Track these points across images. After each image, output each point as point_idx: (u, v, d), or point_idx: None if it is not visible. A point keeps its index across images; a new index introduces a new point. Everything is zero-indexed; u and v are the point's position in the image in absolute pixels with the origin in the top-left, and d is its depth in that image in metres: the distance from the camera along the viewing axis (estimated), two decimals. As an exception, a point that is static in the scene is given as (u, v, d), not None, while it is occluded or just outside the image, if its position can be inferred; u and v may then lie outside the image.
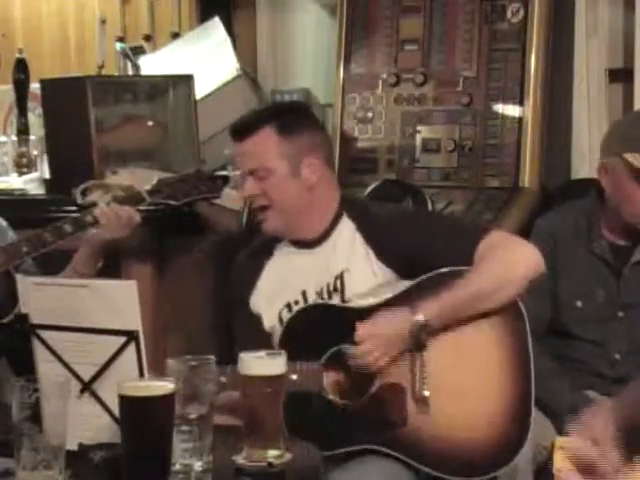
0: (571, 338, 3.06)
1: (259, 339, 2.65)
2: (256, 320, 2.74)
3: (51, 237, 2.71)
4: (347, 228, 2.70)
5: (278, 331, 2.67)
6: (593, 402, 2.89)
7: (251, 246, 2.90)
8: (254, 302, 2.77)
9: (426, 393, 2.51)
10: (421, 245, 2.60)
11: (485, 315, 2.54)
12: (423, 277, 2.57)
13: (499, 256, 2.55)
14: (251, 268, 2.80)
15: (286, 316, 2.68)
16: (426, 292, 2.53)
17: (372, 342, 2.49)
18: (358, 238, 2.67)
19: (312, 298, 2.68)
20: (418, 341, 2.49)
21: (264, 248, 2.81)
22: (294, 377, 2.45)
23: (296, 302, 2.69)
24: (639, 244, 3.03)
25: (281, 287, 2.73)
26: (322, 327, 2.56)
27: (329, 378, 2.55)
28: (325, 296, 2.67)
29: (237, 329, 2.79)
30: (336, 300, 2.65)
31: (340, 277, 2.65)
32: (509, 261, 2.56)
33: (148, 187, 2.90)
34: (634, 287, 3.03)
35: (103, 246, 2.83)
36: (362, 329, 2.50)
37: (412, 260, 2.59)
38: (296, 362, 2.45)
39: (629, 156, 2.93)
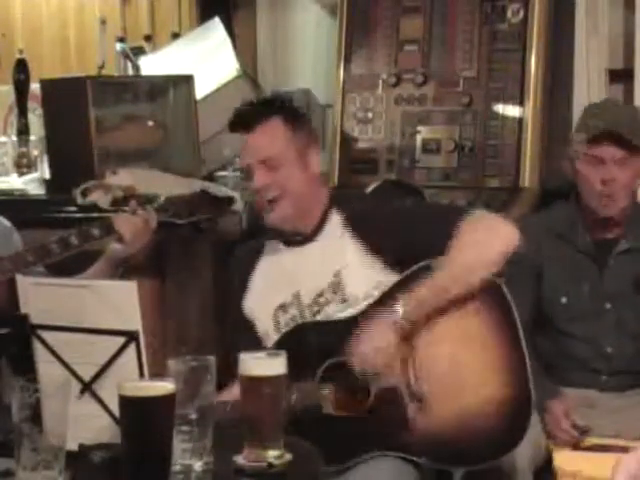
0: (562, 336, 3.07)
1: (252, 347, 2.57)
2: (250, 326, 2.72)
3: (57, 248, 2.70)
4: (335, 224, 2.69)
5: (272, 336, 2.66)
6: (560, 399, 2.91)
7: (240, 250, 2.87)
8: (247, 307, 2.75)
9: (423, 391, 2.50)
10: (406, 233, 2.59)
11: (472, 309, 2.53)
12: (408, 272, 2.57)
13: (475, 234, 2.54)
14: (242, 272, 2.78)
15: (282, 318, 2.67)
16: (410, 288, 2.53)
17: (367, 362, 2.48)
18: (346, 234, 2.66)
19: (306, 300, 2.66)
20: (402, 332, 2.49)
21: (253, 249, 2.80)
22: (293, 397, 2.45)
23: (290, 303, 2.68)
24: (622, 237, 3.06)
25: (273, 289, 2.71)
26: (311, 344, 2.54)
27: (326, 393, 2.53)
28: (325, 298, 2.65)
29: (232, 335, 2.78)
30: (337, 300, 2.63)
31: (338, 276, 2.64)
32: (485, 239, 2.55)
33: (155, 205, 2.86)
34: (619, 277, 3.05)
35: (121, 262, 2.79)
36: (354, 357, 2.48)
37: (399, 249, 2.59)
38: (292, 383, 2.40)
39: (576, 136, 3.03)
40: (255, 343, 2.65)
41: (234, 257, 2.87)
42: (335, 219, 2.70)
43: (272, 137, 2.65)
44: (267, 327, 2.69)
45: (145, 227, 2.76)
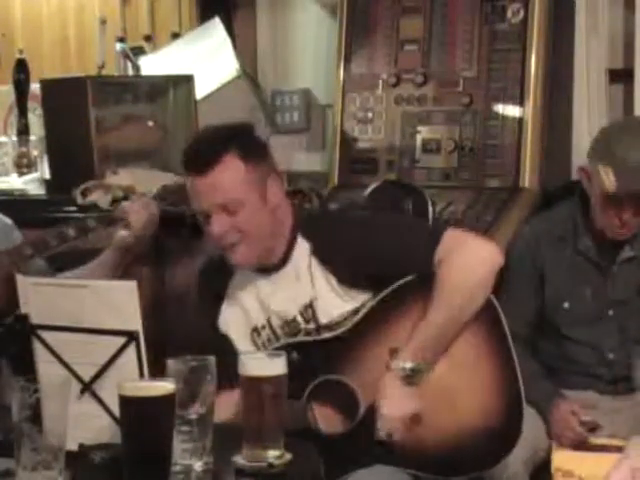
0: (564, 340, 3.07)
1: (230, 360, 2.37)
2: (226, 342, 2.64)
3: (54, 241, 2.72)
4: (303, 252, 2.59)
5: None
6: (564, 400, 2.91)
7: (209, 267, 2.75)
8: (222, 323, 2.68)
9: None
10: (378, 260, 2.52)
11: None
12: (386, 292, 2.53)
13: (457, 266, 2.48)
14: (215, 286, 2.69)
15: (259, 340, 2.62)
16: (392, 307, 2.52)
17: (390, 424, 2.45)
18: (314, 263, 2.57)
19: (278, 325, 2.61)
20: (416, 382, 2.46)
21: (223, 268, 2.65)
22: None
23: (263, 327, 2.63)
24: (626, 242, 3.04)
25: (244, 314, 2.65)
26: (295, 363, 2.41)
27: (315, 411, 2.51)
28: (297, 324, 2.59)
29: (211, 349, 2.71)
30: (312, 328, 2.58)
31: (310, 306, 2.57)
32: (468, 268, 2.48)
33: (152, 194, 2.89)
34: (623, 284, 3.04)
35: (130, 249, 2.83)
36: (381, 430, 2.44)
37: (372, 274, 2.53)
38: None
39: (602, 169, 2.92)
40: (232, 354, 2.48)
41: (203, 273, 2.76)
42: (302, 246, 2.59)
43: (228, 179, 2.46)
44: (246, 347, 2.63)
45: (148, 213, 2.80)
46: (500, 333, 2.51)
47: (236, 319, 2.66)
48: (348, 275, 2.54)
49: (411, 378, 2.44)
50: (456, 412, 2.49)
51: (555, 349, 3.07)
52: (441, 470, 2.48)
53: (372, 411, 2.47)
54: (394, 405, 2.43)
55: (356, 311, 2.55)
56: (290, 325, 2.60)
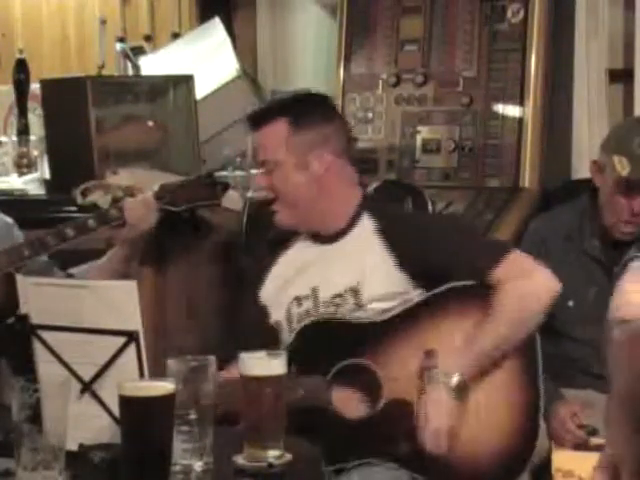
0: (567, 338, 3.07)
1: (263, 334, 2.65)
2: (263, 314, 2.72)
3: (53, 241, 2.72)
4: (367, 229, 2.65)
5: (284, 327, 2.66)
6: (564, 402, 2.92)
7: (270, 237, 2.91)
8: (263, 294, 2.74)
9: None
10: (442, 259, 2.57)
11: None
12: (435, 292, 2.56)
13: (520, 295, 2.53)
14: (266, 260, 2.79)
15: (295, 310, 2.66)
16: (434, 309, 2.54)
17: (441, 438, 2.47)
18: (376, 241, 2.62)
19: (323, 297, 2.64)
20: (462, 397, 2.49)
21: (282, 240, 2.79)
22: (302, 392, 2.44)
23: (306, 296, 2.66)
24: (632, 244, 3.03)
25: (292, 279, 2.70)
26: (329, 342, 2.54)
27: (337, 393, 2.53)
28: (342, 299, 2.62)
29: (243, 321, 2.80)
30: (351, 303, 2.61)
31: (360, 281, 2.60)
32: (528, 296, 2.54)
33: (150, 193, 2.90)
34: None
35: (135, 245, 2.86)
36: (429, 444, 2.47)
37: (430, 271, 2.57)
38: (303, 377, 2.44)
39: (616, 158, 2.93)
40: (269, 332, 2.66)
41: (261, 243, 2.93)
42: (367, 224, 2.65)
43: (271, 140, 2.65)
44: (280, 317, 2.68)
45: (144, 208, 2.82)
46: (533, 362, 2.57)
47: (279, 287, 2.71)
48: (409, 261, 2.58)
49: (458, 393, 2.47)
50: (475, 426, 2.51)
51: (555, 347, 3.07)
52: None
53: (391, 405, 2.49)
54: (444, 418, 2.46)
55: (402, 301, 2.58)
56: (334, 300, 2.63)
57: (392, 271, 2.59)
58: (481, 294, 2.53)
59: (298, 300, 2.67)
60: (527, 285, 2.54)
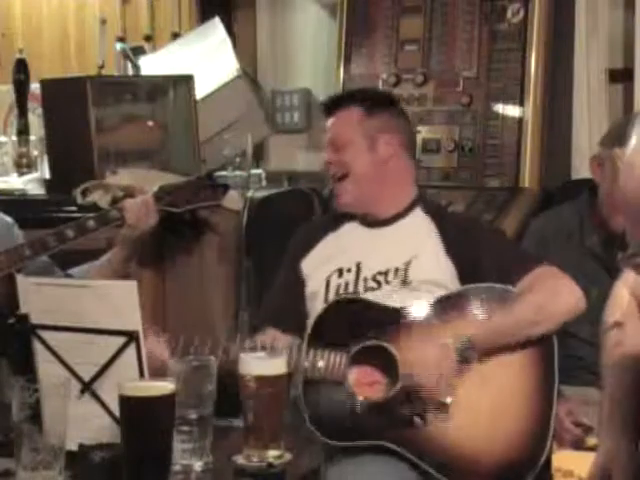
0: (569, 337, 3.06)
1: (293, 304, 2.75)
2: (300, 283, 2.79)
3: (54, 241, 2.72)
4: (422, 217, 2.77)
5: (321, 297, 2.71)
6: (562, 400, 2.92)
7: (321, 217, 3.05)
8: (305, 264, 2.81)
9: (448, 400, 2.52)
10: (485, 255, 2.66)
11: (523, 353, 2.61)
12: (468, 287, 2.63)
13: (546, 289, 2.61)
14: (313, 234, 2.86)
15: (334, 281, 2.72)
16: (465, 303, 2.60)
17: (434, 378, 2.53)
18: (431, 226, 2.74)
19: (366, 273, 2.70)
20: (464, 356, 2.54)
21: (333, 221, 2.87)
22: (320, 365, 2.50)
23: (348, 270, 2.73)
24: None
25: (337, 253, 2.77)
26: (355, 320, 2.58)
27: (355, 371, 2.55)
28: (386, 279, 2.69)
29: (278, 286, 2.85)
30: (394, 283, 2.67)
31: (408, 264, 2.69)
32: (554, 296, 2.62)
33: (150, 194, 2.90)
34: None
35: (135, 245, 2.89)
36: (425, 383, 2.53)
37: (471, 265, 2.65)
38: (324, 351, 2.51)
39: (618, 152, 2.94)
40: (299, 303, 2.75)
41: (310, 222, 3.03)
42: (421, 214, 2.78)
43: (345, 122, 2.79)
44: (318, 287, 2.74)
45: (145, 208, 2.84)
46: (551, 378, 2.61)
47: (323, 259, 2.79)
48: (459, 251, 2.68)
49: (462, 354, 2.52)
50: (484, 422, 2.54)
51: (558, 345, 3.07)
52: (448, 472, 2.51)
53: (407, 391, 2.51)
54: (443, 364, 2.52)
55: (441, 286, 2.64)
56: (376, 277, 2.70)
57: (442, 257, 2.68)
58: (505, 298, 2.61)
59: (340, 272, 2.74)
60: (554, 287, 2.63)
